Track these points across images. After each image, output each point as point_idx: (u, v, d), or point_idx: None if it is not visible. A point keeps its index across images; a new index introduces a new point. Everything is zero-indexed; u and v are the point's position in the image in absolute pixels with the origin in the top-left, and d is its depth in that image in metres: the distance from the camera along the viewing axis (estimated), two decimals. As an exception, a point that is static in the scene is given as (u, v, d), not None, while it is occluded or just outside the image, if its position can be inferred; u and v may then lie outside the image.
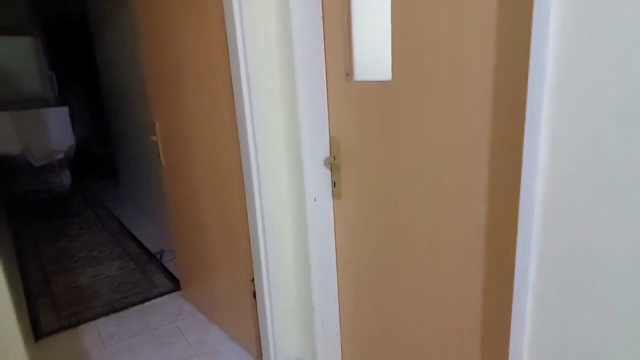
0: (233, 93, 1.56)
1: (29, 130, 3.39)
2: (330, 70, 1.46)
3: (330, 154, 1.51)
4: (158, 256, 3.00)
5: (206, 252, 2.10)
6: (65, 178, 3.88)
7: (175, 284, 2.59)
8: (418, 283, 1.31)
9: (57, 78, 4.54)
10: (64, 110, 3.60)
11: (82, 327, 2.23)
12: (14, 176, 3.68)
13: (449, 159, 1.11)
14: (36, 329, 2.22)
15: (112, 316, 2.31)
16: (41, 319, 2.31)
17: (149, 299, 2.46)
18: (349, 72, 1.42)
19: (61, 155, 3.64)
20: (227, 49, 1.52)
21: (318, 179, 1.52)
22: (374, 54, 1.33)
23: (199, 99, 1.79)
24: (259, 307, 1.78)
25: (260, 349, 1.86)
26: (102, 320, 2.27)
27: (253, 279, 1.78)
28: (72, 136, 3.63)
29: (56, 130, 3.52)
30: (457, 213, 1.13)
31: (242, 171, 1.65)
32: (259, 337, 1.84)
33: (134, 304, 2.41)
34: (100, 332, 2.17)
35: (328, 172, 1.53)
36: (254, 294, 1.80)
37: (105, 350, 2.03)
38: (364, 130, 1.38)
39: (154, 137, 2.12)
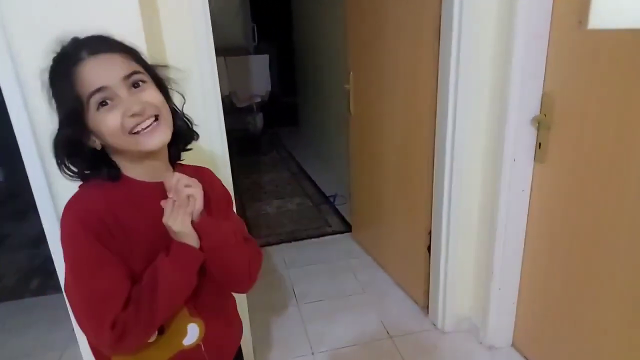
0: (440, 32, 1.50)
1: (236, 75, 3.94)
2: (556, 16, 1.29)
3: (541, 112, 1.37)
4: (331, 199, 3.24)
5: (382, 200, 2.17)
6: (259, 120, 4.43)
7: (345, 226, 2.78)
8: (628, 275, 1.13)
9: (257, 30, 5.08)
10: (265, 58, 4.05)
11: (270, 248, 2.59)
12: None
13: None
14: (236, 243, 2.67)
15: (293, 244, 2.62)
16: (239, 236, 2.76)
17: (323, 235, 2.71)
18: (582, 20, 1.24)
19: (259, 99, 4.15)
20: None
21: (521, 138, 1.41)
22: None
23: (398, 44, 1.79)
24: (433, 261, 1.79)
25: (427, 302, 1.89)
26: (285, 246, 2.61)
27: (430, 232, 1.78)
28: (269, 83, 4.09)
29: (257, 77, 4.01)
30: None
31: (434, 120, 1.62)
32: (428, 289, 1.87)
33: (311, 237, 2.69)
34: (284, 256, 2.49)
35: (534, 131, 1.40)
36: (429, 247, 1.82)
37: (288, 271, 2.33)
38: (591, 88, 1.20)
39: (347, 86, 2.22)
